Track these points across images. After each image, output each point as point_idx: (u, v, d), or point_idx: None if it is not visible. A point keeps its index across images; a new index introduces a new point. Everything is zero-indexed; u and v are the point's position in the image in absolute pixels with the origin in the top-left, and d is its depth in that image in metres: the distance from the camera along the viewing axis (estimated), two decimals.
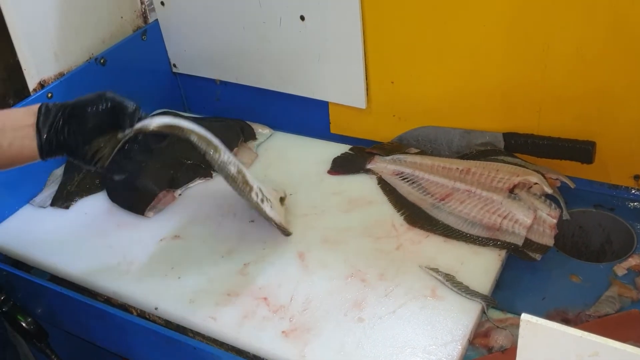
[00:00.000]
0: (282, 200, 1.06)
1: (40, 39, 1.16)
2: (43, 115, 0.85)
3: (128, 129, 0.85)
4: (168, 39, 1.33)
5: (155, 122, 0.86)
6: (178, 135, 0.87)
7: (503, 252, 0.91)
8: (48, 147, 0.85)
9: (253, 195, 0.93)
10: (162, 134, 0.88)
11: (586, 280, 0.88)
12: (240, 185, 0.91)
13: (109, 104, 0.85)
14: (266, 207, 0.95)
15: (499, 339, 0.80)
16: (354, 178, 1.12)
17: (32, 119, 0.84)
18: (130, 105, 0.86)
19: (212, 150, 0.88)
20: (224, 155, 0.90)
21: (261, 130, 1.27)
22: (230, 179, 0.91)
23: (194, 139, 0.87)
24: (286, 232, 0.99)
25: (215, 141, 0.89)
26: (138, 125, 0.85)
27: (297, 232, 1.01)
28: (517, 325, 0.49)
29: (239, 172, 0.91)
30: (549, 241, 0.90)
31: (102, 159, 0.85)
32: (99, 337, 1.01)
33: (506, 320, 0.83)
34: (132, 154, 0.88)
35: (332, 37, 1.10)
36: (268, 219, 0.96)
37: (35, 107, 0.86)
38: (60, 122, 0.85)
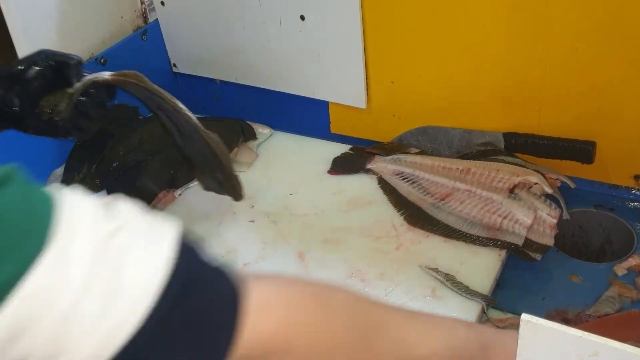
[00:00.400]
0: None
1: (40, 38, 1.16)
2: None
3: (78, 83, 0.79)
4: (168, 39, 1.33)
5: (109, 72, 0.81)
6: (133, 85, 0.82)
7: (503, 252, 0.91)
8: None
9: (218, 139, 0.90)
10: (115, 87, 0.83)
11: (586, 280, 0.88)
12: (202, 131, 0.87)
13: (50, 60, 0.80)
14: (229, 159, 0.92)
15: None
16: (354, 178, 1.12)
17: None
18: (74, 57, 0.81)
19: (169, 98, 0.84)
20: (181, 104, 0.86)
21: (261, 130, 1.27)
22: (192, 123, 0.87)
23: (151, 86, 0.83)
24: (240, 193, 0.94)
25: None
26: (91, 76, 0.80)
27: (297, 232, 1.01)
28: (517, 325, 0.49)
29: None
30: (549, 241, 0.90)
31: (61, 112, 0.78)
32: None
33: (506, 320, 0.83)
34: (86, 109, 0.83)
35: (332, 37, 1.10)
36: (230, 169, 0.92)
37: None
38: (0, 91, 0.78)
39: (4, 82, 0.79)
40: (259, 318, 0.47)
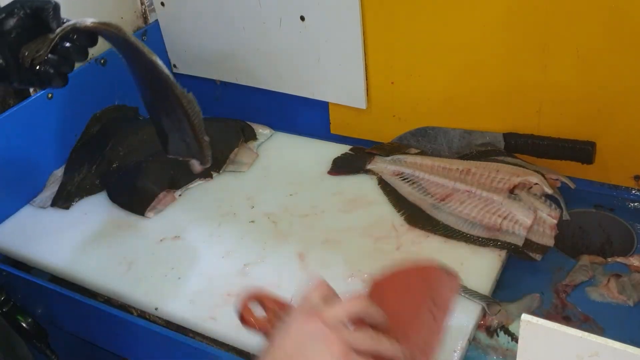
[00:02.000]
0: None
1: None
2: None
3: (58, 28, 0.79)
4: (168, 39, 1.33)
5: (90, 19, 0.81)
6: (113, 34, 0.83)
7: (503, 253, 0.91)
8: None
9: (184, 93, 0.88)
10: (96, 34, 0.83)
11: None
12: (178, 91, 0.87)
13: (27, 8, 0.79)
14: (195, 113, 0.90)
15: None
16: (354, 178, 1.12)
17: None
18: (50, 1, 0.80)
19: (148, 53, 0.84)
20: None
21: (262, 131, 1.27)
22: (169, 82, 0.86)
23: (130, 39, 0.83)
24: (207, 157, 0.91)
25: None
26: (71, 22, 0.80)
27: (297, 233, 1.01)
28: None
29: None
30: (549, 241, 0.90)
31: (40, 56, 0.78)
32: (99, 337, 1.01)
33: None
34: (68, 54, 0.82)
35: (332, 38, 1.10)
36: (201, 131, 0.90)
37: None
38: None
39: None
40: None
